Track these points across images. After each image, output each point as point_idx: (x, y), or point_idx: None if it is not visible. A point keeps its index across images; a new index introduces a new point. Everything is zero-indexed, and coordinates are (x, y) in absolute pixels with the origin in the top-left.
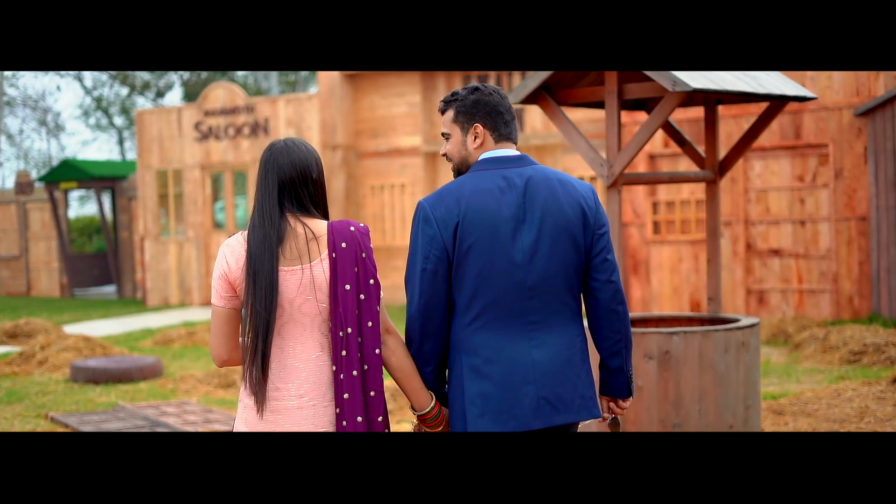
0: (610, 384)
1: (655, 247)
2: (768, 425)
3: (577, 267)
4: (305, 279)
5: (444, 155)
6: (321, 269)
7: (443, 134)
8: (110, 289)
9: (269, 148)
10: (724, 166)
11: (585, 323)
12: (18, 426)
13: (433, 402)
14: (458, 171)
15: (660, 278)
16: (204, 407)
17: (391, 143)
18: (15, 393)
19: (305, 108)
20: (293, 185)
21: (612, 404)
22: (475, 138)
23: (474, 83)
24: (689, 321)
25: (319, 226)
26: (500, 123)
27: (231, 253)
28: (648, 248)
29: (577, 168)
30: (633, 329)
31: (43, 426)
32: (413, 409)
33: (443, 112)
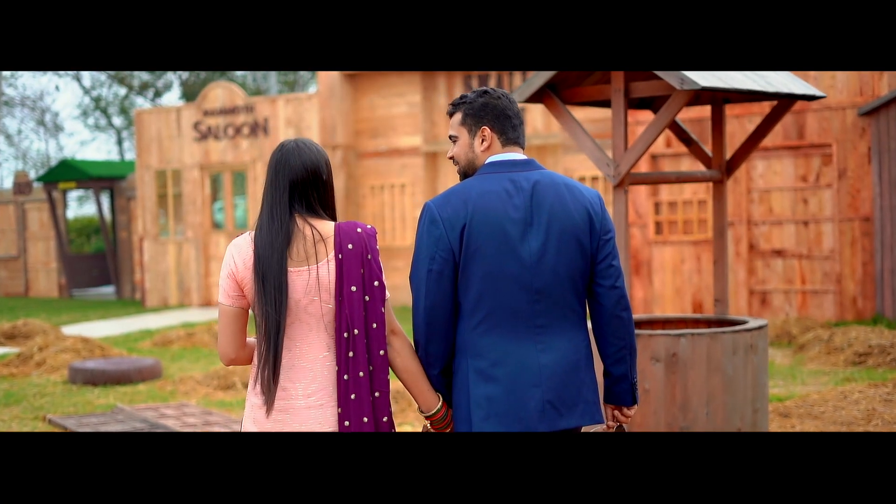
0: (614, 392)
1: (657, 247)
2: (775, 428)
3: (582, 272)
4: (312, 280)
5: (450, 158)
6: (326, 270)
7: (450, 136)
8: (109, 289)
9: (279, 148)
10: (731, 166)
11: (589, 326)
12: (16, 428)
13: (440, 402)
14: (465, 174)
15: (662, 279)
16: (203, 409)
17: (391, 142)
18: (13, 395)
19: (305, 108)
20: (304, 187)
21: (616, 412)
22: (482, 141)
23: (483, 87)
24: (695, 323)
25: (327, 227)
26: (508, 127)
27: (238, 253)
28: (650, 249)
29: (578, 168)
30: (638, 331)
31: (41, 429)
32: (420, 410)
33: (451, 115)
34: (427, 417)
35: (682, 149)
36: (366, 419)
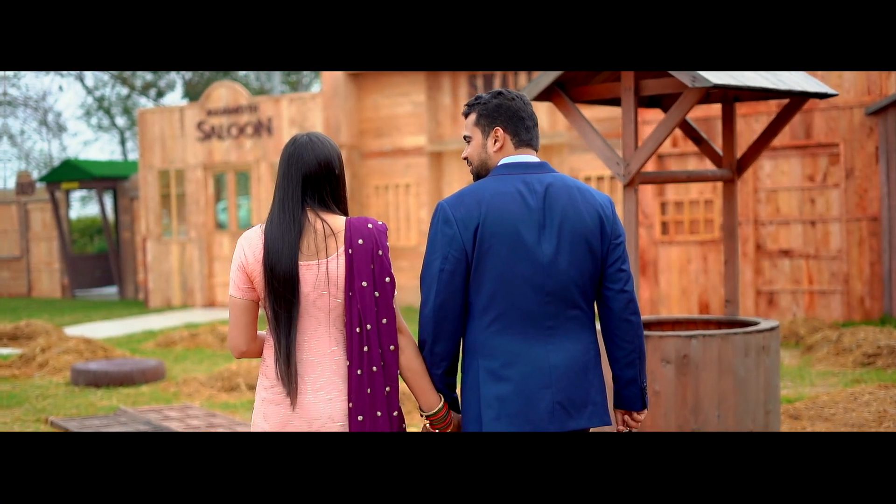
0: (624, 396)
1: (664, 247)
2: (786, 430)
3: (592, 275)
4: (321, 274)
5: (465, 158)
6: (336, 264)
7: (465, 137)
8: (112, 290)
9: (292, 142)
10: (742, 165)
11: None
12: (18, 430)
13: (441, 402)
14: (478, 175)
15: (668, 279)
16: (207, 411)
17: (395, 142)
18: (14, 396)
19: (309, 108)
20: (316, 181)
21: (626, 417)
22: (495, 142)
23: (498, 88)
24: (705, 324)
25: (338, 222)
26: (521, 129)
27: (249, 245)
28: (657, 249)
29: (583, 168)
30: (648, 332)
31: (43, 431)
32: (421, 410)
33: (466, 115)
34: (427, 417)
35: (689, 148)
36: (379, 413)
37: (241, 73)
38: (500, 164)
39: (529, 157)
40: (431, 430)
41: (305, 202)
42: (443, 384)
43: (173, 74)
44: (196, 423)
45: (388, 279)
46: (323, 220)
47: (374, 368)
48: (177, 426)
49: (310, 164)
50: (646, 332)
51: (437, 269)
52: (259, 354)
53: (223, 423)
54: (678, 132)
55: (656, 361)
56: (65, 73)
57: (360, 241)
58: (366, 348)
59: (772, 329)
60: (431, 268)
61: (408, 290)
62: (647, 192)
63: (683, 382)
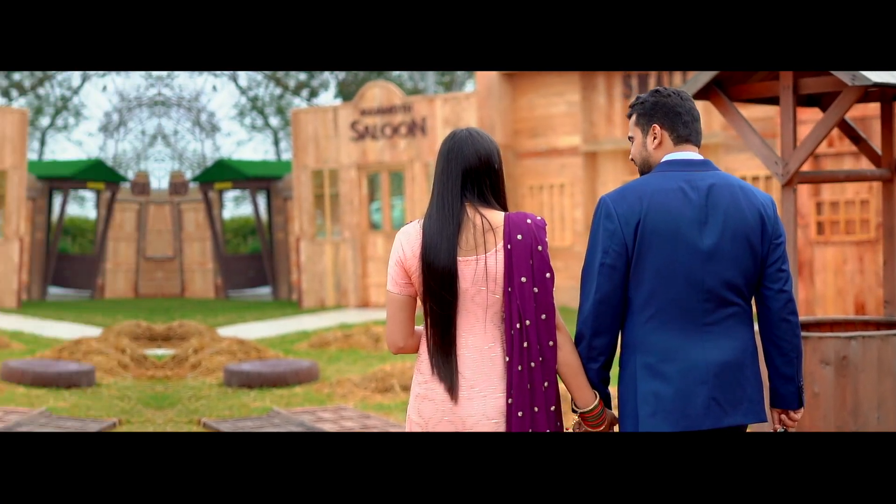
0: (781, 395)
1: (819, 248)
2: None
3: (752, 274)
4: (479, 270)
5: (631, 159)
6: (494, 260)
7: (629, 138)
8: (265, 290)
9: (451, 137)
10: None
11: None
12: (171, 431)
13: (597, 400)
14: (642, 174)
15: (824, 280)
16: (361, 412)
17: (550, 142)
18: (167, 397)
19: (463, 108)
20: (476, 175)
21: (783, 416)
22: (654, 139)
23: (657, 87)
24: (864, 325)
25: (497, 217)
26: (679, 124)
27: (407, 240)
28: (812, 249)
29: (738, 168)
30: (807, 333)
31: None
32: (575, 406)
33: (629, 117)
34: (581, 414)
35: (844, 148)
36: (537, 409)
37: (395, 73)
38: (662, 161)
39: (692, 154)
40: (584, 427)
41: (464, 197)
42: (598, 379)
43: (327, 74)
44: (350, 424)
45: (547, 274)
46: (482, 214)
47: (533, 364)
48: (330, 428)
49: (470, 159)
50: (804, 333)
51: (598, 263)
52: (416, 350)
53: (377, 425)
54: (833, 131)
55: (815, 363)
56: (218, 73)
57: (520, 237)
58: (525, 344)
59: None
60: (592, 262)
61: (563, 291)
62: (803, 192)
63: (843, 384)
